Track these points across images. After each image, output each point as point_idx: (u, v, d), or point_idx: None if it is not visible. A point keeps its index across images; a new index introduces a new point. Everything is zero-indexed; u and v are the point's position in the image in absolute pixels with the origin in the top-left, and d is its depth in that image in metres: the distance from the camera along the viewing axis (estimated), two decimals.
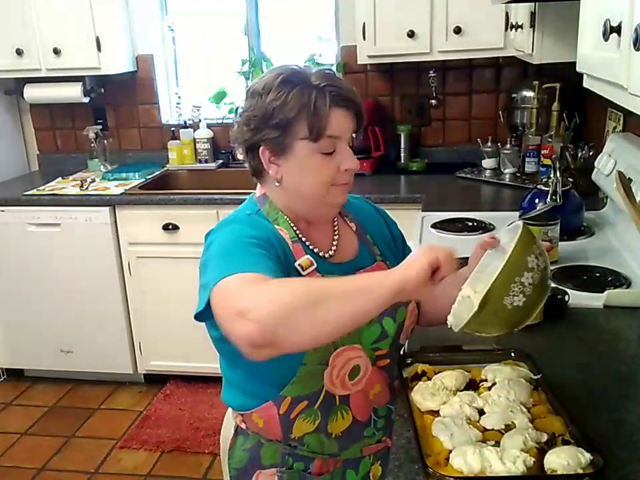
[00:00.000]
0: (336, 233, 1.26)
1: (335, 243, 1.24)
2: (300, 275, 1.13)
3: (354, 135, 1.19)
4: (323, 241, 1.23)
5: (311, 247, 1.20)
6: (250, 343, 0.90)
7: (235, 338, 0.92)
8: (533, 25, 2.27)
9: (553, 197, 1.89)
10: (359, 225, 1.30)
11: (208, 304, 1.00)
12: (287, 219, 1.19)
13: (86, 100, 3.47)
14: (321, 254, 1.20)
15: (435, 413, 1.10)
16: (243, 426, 1.24)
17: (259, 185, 1.24)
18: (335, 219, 1.27)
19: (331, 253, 1.22)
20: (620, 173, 1.70)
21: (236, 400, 1.23)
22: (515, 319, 1.00)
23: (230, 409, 1.30)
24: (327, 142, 1.12)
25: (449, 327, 1.05)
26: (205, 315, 1.02)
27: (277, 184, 1.17)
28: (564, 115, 2.58)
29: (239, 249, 1.05)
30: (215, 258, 1.07)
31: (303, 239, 1.20)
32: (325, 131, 1.11)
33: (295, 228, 1.19)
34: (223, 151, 3.53)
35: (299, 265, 1.14)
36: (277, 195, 1.19)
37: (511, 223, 1.18)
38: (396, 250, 1.34)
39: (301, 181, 1.15)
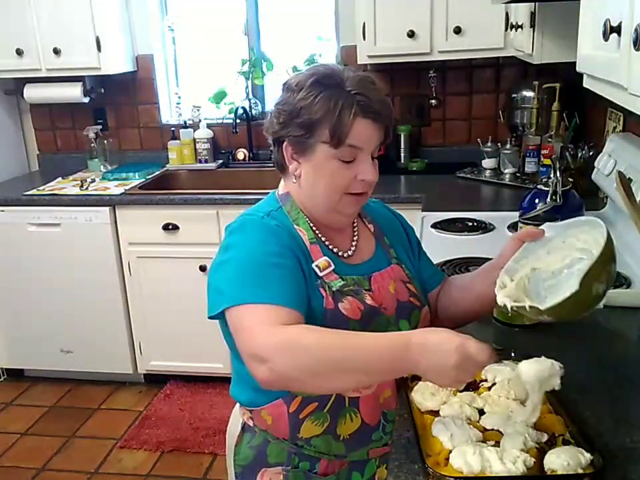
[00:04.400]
0: (355, 233, 1.27)
1: (354, 243, 1.25)
2: (317, 275, 1.14)
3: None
4: (342, 240, 1.24)
5: (330, 247, 1.21)
6: (265, 386, 1.02)
7: (252, 375, 1.01)
8: (533, 25, 2.27)
9: (553, 197, 1.89)
10: (377, 227, 1.31)
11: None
12: (307, 220, 1.19)
13: (86, 100, 3.47)
14: (340, 253, 1.21)
15: (435, 413, 1.10)
16: (251, 423, 1.24)
17: (282, 182, 1.25)
18: (355, 220, 1.28)
19: (349, 253, 1.23)
20: (620, 173, 1.70)
21: (245, 395, 1.23)
22: (588, 307, 1.03)
23: (237, 406, 1.30)
24: (347, 150, 1.11)
25: (502, 305, 1.07)
26: (218, 316, 1.09)
27: (294, 180, 1.19)
28: (564, 115, 2.58)
29: (258, 269, 1.07)
30: (234, 271, 1.08)
31: (323, 239, 1.20)
32: (346, 139, 1.10)
33: (314, 228, 1.20)
34: (223, 151, 3.54)
35: (316, 266, 1.15)
36: (297, 193, 1.20)
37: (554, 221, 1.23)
38: (412, 255, 1.35)
39: (315, 183, 1.16)
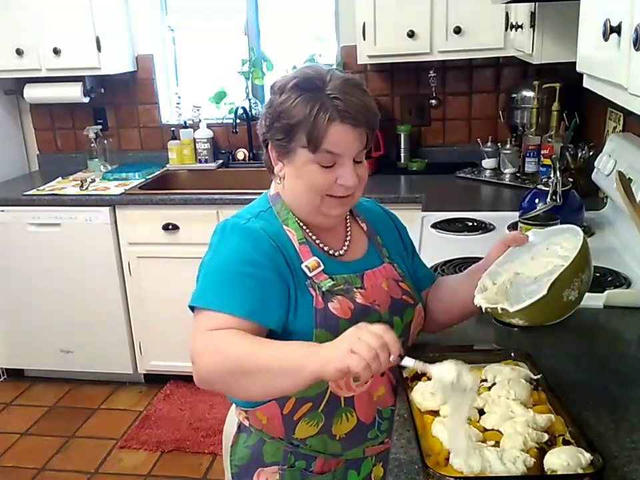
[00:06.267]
0: (348, 231, 1.27)
1: (346, 242, 1.25)
2: (306, 276, 1.14)
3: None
4: (334, 239, 1.24)
5: (321, 245, 1.21)
6: (202, 387, 1.07)
7: None
8: (533, 25, 2.27)
9: (553, 196, 1.89)
10: (369, 226, 1.31)
11: None
12: (297, 220, 1.19)
13: (86, 100, 3.47)
14: (331, 252, 1.21)
15: (435, 413, 1.10)
16: (246, 423, 1.24)
17: (273, 182, 1.25)
18: (347, 218, 1.28)
19: (341, 252, 1.23)
20: (620, 173, 1.71)
21: None
22: (559, 312, 1.06)
23: (233, 406, 1.30)
24: (325, 156, 1.11)
25: (478, 306, 1.11)
26: None
27: (278, 181, 1.20)
28: (564, 115, 2.58)
29: (225, 276, 1.10)
30: (204, 274, 1.12)
31: (313, 237, 1.20)
32: (322, 145, 1.09)
33: (305, 228, 1.20)
34: (223, 151, 3.54)
35: (305, 266, 1.15)
36: (283, 194, 1.21)
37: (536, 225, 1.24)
38: (406, 256, 1.35)
39: (296, 185, 1.16)
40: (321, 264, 1.16)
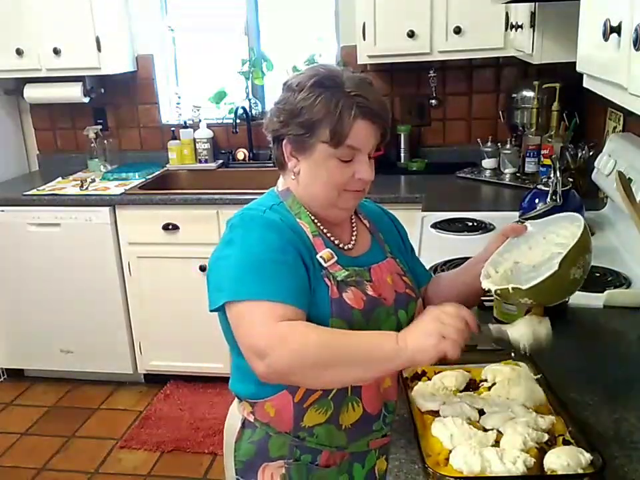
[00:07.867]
0: (354, 227, 1.29)
1: (353, 236, 1.27)
2: (322, 266, 1.16)
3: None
4: (343, 233, 1.26)
5: (332, 239, 1.23)
6: (264, 380, 1.07)
7: (251, 369, 1.06)
8: (533, 25, 2.27)
9: (553, 197, 1.89)
10: (371, 223, 1.34)
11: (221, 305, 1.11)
12: (309, 214, 1.21)
13: (86, 100, 3.47)
14: (341, 245, 1.24)
15: (435, 413, 1.10)
16: (251, 418, 1.24)
17: (280, 179, 1.27)
18: (352, 215, 1.30)
19: (349, 246, 1.25)
20: (620, 172, 1.71)
21: (248, 388, 1.23)
22: (566, 289, 1.11)
23: (235, 403, 1.30)
24: (346, 151, 1.14)
25: (486, 289, 1.14)
26: (218, 309, 1.13)
27: (292, 177, 1.21)
28: (564, 115, 2.58)
29: (259, 266, 1.09)
30: (235, 267, 1.11)
31: (325, 231, 1.22)
32: (346, 140, 1.13)
33: (316, 222, 1.22)
34: (223, 151, 3.54)
35: (320, 257, 1.17)
36: (296, 189, 1.22)
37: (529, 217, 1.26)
38: (406, 253, 1.37)
39: (313, 180, 1.18)
40: (334, 255, 1.18)
